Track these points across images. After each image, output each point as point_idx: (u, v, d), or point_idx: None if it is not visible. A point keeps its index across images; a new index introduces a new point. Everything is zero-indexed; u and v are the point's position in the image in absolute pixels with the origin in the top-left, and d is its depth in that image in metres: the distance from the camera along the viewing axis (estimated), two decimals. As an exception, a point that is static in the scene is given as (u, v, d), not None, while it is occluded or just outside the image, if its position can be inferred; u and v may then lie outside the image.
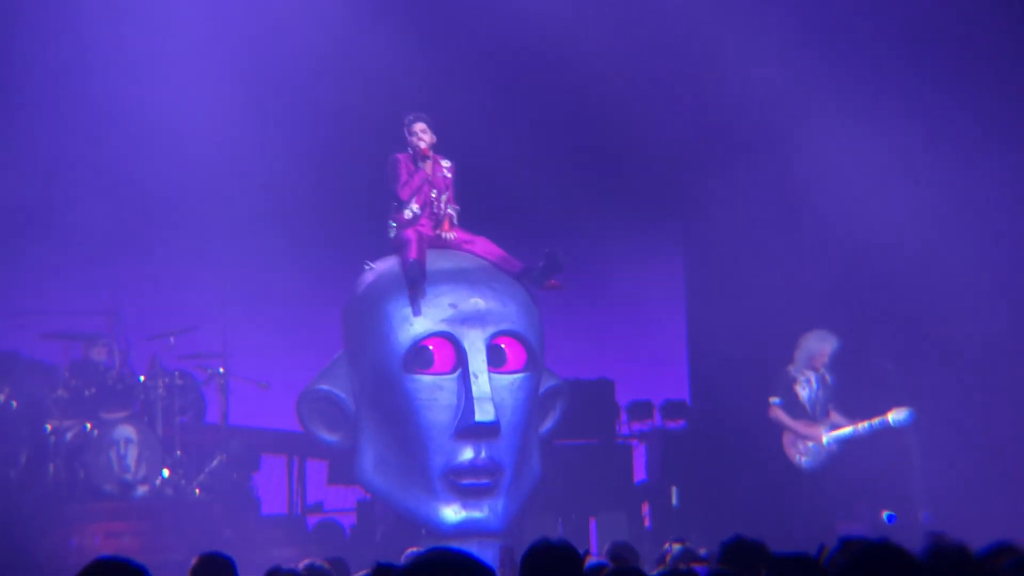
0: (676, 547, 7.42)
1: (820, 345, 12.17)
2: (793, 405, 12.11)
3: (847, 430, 12.03)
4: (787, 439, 12.11)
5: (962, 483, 12.79)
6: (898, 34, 13.14)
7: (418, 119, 11.10)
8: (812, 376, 12.17)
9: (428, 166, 11.07)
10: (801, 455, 12.09)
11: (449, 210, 11.11)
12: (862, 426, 12.05)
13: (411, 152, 11.10)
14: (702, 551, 7.47)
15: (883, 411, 12.03)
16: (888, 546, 3.22)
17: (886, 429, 12.09)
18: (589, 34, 13.54)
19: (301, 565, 6.69)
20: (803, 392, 12.14)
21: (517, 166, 13.51)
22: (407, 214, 11.04)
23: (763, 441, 12.35)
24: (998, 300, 12.93)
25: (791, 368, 12.22)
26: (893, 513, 12.81)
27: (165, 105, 13.63)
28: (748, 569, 4.91)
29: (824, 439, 12.04)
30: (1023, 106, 12.80)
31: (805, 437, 12.05)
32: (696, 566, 5.29)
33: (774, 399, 12.18)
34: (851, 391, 12.54)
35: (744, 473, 13.29)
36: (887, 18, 13.14)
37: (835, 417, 12.14)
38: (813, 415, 12.12)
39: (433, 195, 11.09)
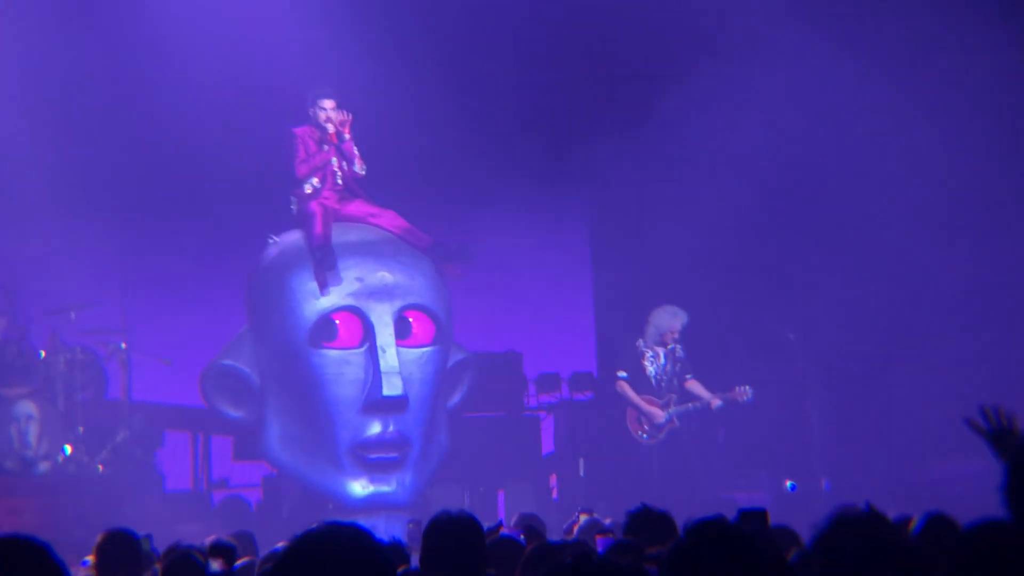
0: (583, 518, 7.48)
1: (670, 321, 12.21)
2: (639, 379, 12.20)
3: (687, 406, 12.10)
4: (631, 414, 12.22)
5: (863, 451, 13.01)
6: None
7: (327, 95, 10.93)
8: (660, 351, 12.21)
9: (331, 142, 10.94)
10: (642, 431, 12.17)
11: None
12: (699, 403, 12.10)
13: (313, 127, 10.96)
14: (608, 521, 7.53)
15: (730, 387, 12.16)
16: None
17: (732, 406, 12.21)
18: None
19: (207, 541, 6.64)
20: (650, 367, 12.21)
21: (422, 135, 13.46)
22: (307, 189, 10.95)
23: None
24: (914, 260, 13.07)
25: (640, 342, 12.29)
26: (795, 482, 13.01)
27: (62, 75, 13.39)
28: (653, 538, 4.97)
29: (663, 415, 12.10)
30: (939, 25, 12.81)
31: (645, 414, 12.13)
32: (600, 537, 5.33)
33: (621, 373, 12.29)
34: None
35: (649, 443, 13.39)
36: None
37: (693, 387, 12.16)
38: (658, 390, 12.19)
39: (334, 163, 10.97)
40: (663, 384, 12.19)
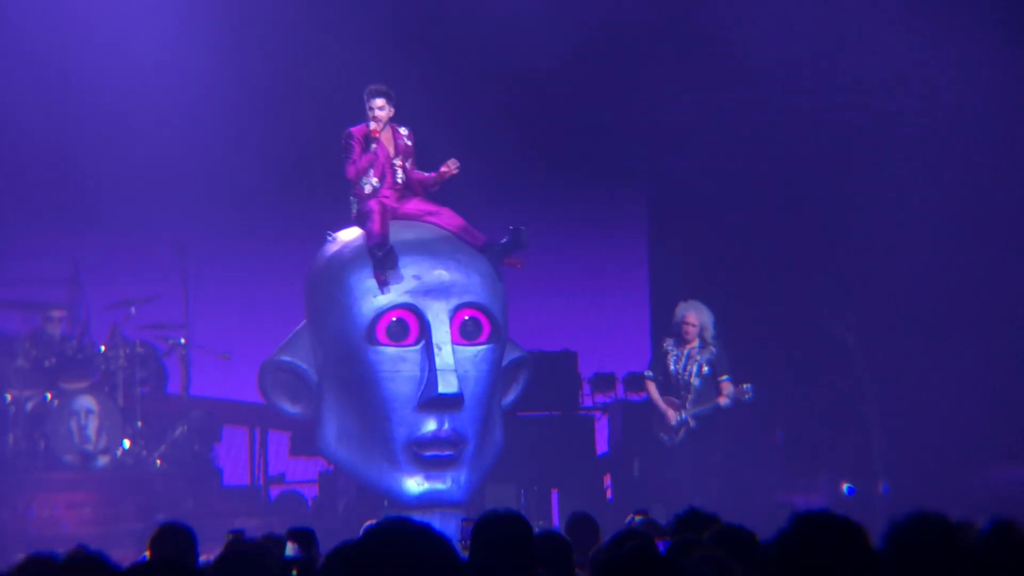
0: (638, 519, 7.44)
1: (688, 314, 12.01)
2: (666, 379, 12.07)
3: (702, 407, 11.91)
4: (655, 415, 12.11)
5: (922, 454, 12.88)
6: None
7: (377, 93, 10.94)
8: (681, 351, 12.00)
9: (386, 138, 10.96)
10: (662, 431, 12.05)
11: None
12: (711, 405, 11.89)
13: (366, 125, 10.98)
14: (664, 523, 7.49)
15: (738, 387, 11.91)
16: (830, 517, 3.21)
17: (739, 405, 11.97)
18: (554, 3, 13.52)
19: (261, 536, 6.69)
20: (671, 366, 12.06)
21: (482, 137, 13.47)
22: (367, 188, 10.97)
23: (724, 413, 12.38)
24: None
25: (666, 342, 12.17)
26: (853, 486, 12.90)
27: (125, 75, 13.52)
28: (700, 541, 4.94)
29: (677, 416, 11.96)
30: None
31: (663, 413, 12.00)
32: (659, 541, 5.31)
33: (648, 373, 12.18)
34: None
35: (724, 447, 13.33)
36: None
37: (725, 388, 11.91)
38: (676, 389, 12.04)
39: (396, 163, 10.99)
40: (681, 383, 12.03)
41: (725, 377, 12.00)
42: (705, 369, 11.98)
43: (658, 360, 12.17)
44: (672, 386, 12.03)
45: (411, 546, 2.86)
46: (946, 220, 12.97)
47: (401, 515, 3.16)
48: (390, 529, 2.90)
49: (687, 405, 11.94)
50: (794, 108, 13.43)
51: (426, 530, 2.89)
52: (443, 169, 10.95)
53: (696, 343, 12.02)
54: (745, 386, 11.88)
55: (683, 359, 12.01)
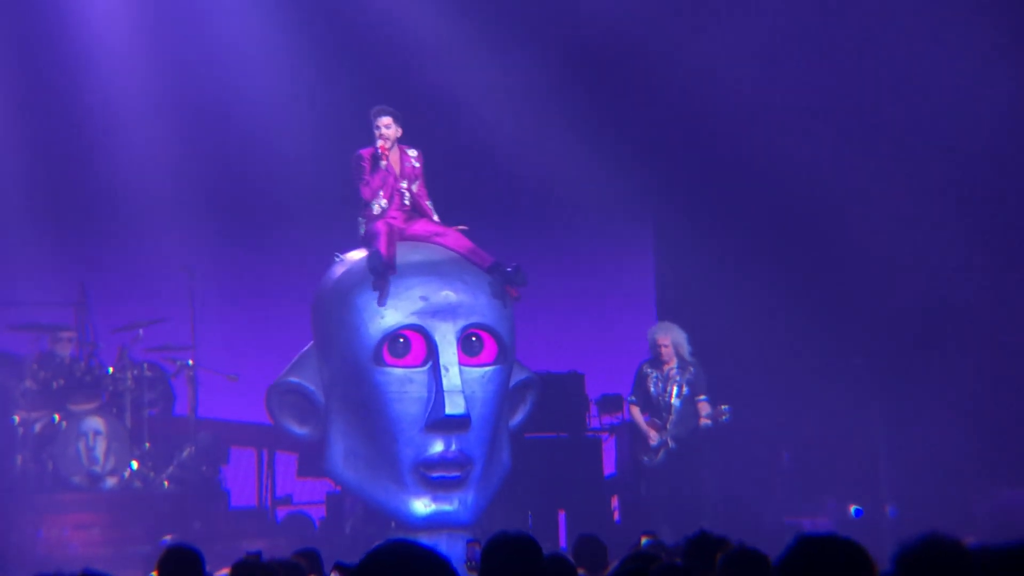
0: (645, 540, 7.45)
1: (655, 334, 12.04)
2: (646, 402, 12.08)
3: (685, 429, 11.90)
4: (637, 437, 12.10)
5: (929, 476, 12.87)
6: None
7: (384, 113, 11.01)
8: (661, 372, 11.99)
9: (393, 159, 11.01)
10: (643, 453, 12.03)
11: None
12: (692, 428, 11.88)
13: (375, 147, 11.02)
14: (672, 544, 7.50)
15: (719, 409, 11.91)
16: (834, 539, 3.23)
17: (720, 427, 11.96)
18: (576, 30, 13.59)
19: (266, 559, 6.69)
20: (651, 388, 12.06)
21: (490, 158, 13.52)
22: (375, 208, 11.02)
23: (731, 434, 12.39)
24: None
25: (645, 366, 12.17)
26: (860, 507, 12.88)
27: (133, 97, 13.58)
28: (711, 564, 4.95)
29: (657, 437, 11.94)
30: None
31: (642, 436, 12.00)
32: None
33: (631, 397, 12.19)
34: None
35: (713, 466, 13.33)
36: None
37: (702, 408, 11.90)
38: (658, 411, 12.04)
39: (403, 185, 11.05)
40: (662, 405, 12.02)
41: (702, 397, 12.00)
42: (685, 390, 11.98)
43: (639, 384, 12.18)
44: (654, 408, 12.03)
45: (412, 568, 2.86)
46: (948, 241, 12.99)
47: (405, 537, 3.15)
48: (391, 551, 2.90)
49: (668, 426, 11.94)
50: (791, 125, 13.46)
51: (428, 553, 2.90)
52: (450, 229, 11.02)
53: (674, 363, 12.03)
54: (723, 407, 11.90)
55: (663, 381, 12.03)
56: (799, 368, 13.51)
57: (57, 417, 12.29)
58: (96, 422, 12.25)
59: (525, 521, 12.13)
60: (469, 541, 9.00)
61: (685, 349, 12.03)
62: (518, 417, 11.42)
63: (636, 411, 12.13)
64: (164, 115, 13.66)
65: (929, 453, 12.92)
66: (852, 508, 12.88)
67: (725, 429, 12.05)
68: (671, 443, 11.92)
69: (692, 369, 12.01)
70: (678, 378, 11.99)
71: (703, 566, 4.90)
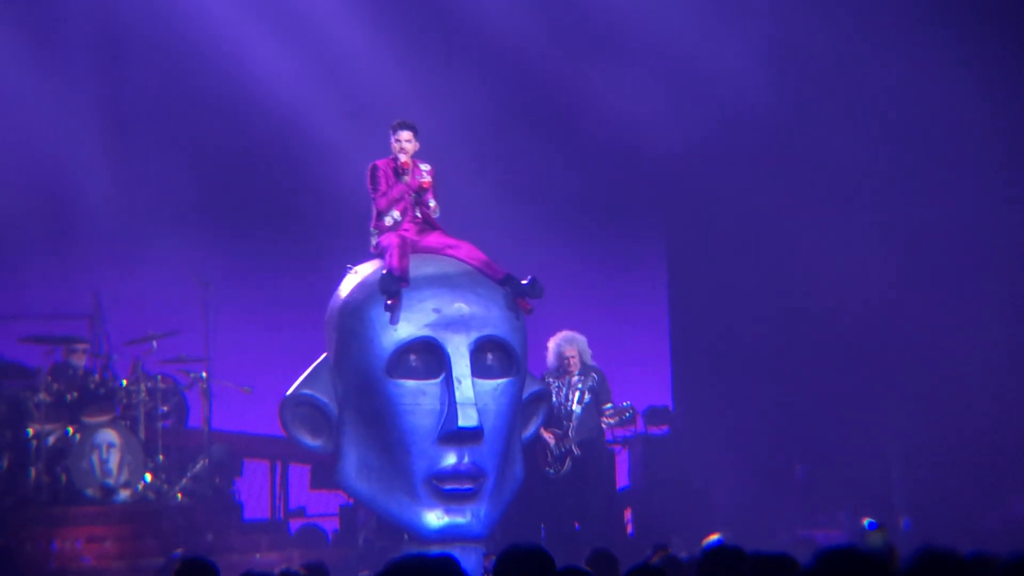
0: (660, 554, 7.44)
1: (565, 348, 11.97)
2: (548, 413, 11.98)
3: (587, 435, 11.83)
4: (538, 449, 12.01)
5: (943, 489, 12.83)
6: None
7: (403, 126, 11.06)
8: (563, 381, 11.93)
9: (408, 174, 11.04)
10: (546, 464, 11.93)
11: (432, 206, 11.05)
12: (596, 431, 11.82)
13: (392, 159, 11.06)
14: (684, 555, 7.48)
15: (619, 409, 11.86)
16: (854, 551, 3.23)
17: (622, 426, 11.84)
18: (574, 39, 13.59)
19: (277, 571, 6.69)
20: (553, 399, 11.94)
21: (501, 169, 13.53)
22: (388, 221, 11.03)
23: (744, 446, 12.37)
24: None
25: (548, 375, 12.07)
26: (874, 520, 12.84)
27: (145, 106, 13.62)
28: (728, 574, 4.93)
29: (561, 446, 11.84)
30: None
31: (546, 445, 11.89)
32: None
33: None
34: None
35: (726, 479, 13.31)
36: None
37: (608, 416, 11.86)
38: (559, 420, 11.93)
39: (413, 197, 11.07)
40: (563, 413, 11.94)
41: (608, 406, 11.97)
42: (587, 397, 11.93)
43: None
44: (555, 417, 11.94)
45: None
46: (962, 252, 12.97)
47: (421, 551, 3.15)
48: (410, 565, 2.89)
49: (570, 433, 11.88)
50: (801, 132, 13.47)
51: (447, 563, 2.89)
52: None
53: (576, 371, 11.95)
54: (625, 403, 11.86)
55: (565, 388, 11.98)
56: (812, 379, 13.48)
57: (71, 429, 12.31)
58: (110, 434, 12.27)
59: (538, 534, 12.11)
60: (485, 554, 8.99)
61: (588, 355, 11.99)
62: (531, 429, 11.41)
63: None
64: (178, 123, 13.69)
65: (943, 465, 12.90)
66: (866, 521, 12.84)
67: (737, 438, 12.05)
68: (576, 450, 11.85)
69: (595, 375, 11.96)
70: (580, 385, 11.93)
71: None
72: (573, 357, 11.95)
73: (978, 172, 13.11)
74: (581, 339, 12.03)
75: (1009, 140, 12.95)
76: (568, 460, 11.86)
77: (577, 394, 11.92)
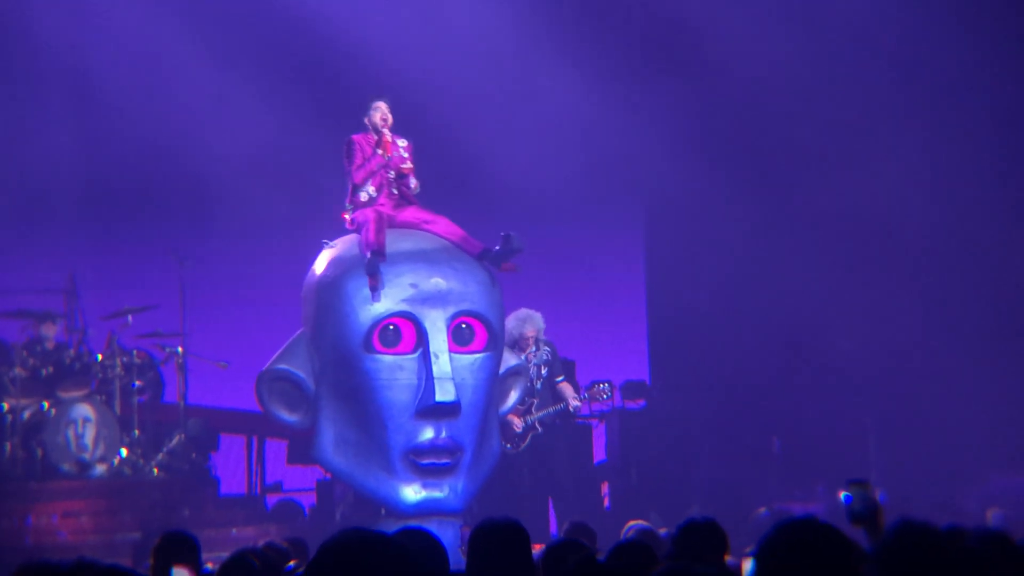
0: (634, 525, 7.45)
1: (522, 327, 11.89)
2: None
3: (548, 410, 11.82)
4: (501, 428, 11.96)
5: (918, 462, 12.89)
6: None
7: (380, 98, 11.02)
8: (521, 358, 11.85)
9: (386, 148, 11.00)
10: (506, 441, 11.86)
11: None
12: (560, 406, 11.80)
13: (370, 133, 11.02)
14: (662, 531, 7.50)
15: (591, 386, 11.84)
16: (813, 523, 3.23)
17: (596, 405, 11.81)
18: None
19: (260, 543, 6.68)
20: None
21: (476, 144, 13.50)
22: (363, 196, 10.99)
23: (721, 421, 12.40)
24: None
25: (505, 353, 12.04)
26: (850, 493, 12.89)
27: (126, 82, 13.54)
28: (704, 549, 4.94)
29: (521, 423, 11.83)
30: None
31: (508, 422, 11.82)
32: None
33: None
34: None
35: (703, 453, 13.35)
36: None
37: (564, 389, 11.83)
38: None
39: (391, 175, 11.03)
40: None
41: (560, 378, 11.94)
42: (543, 371, 11.90)
43: None
44: None
45: (365, 560, 2.83)
46: (945, 228, 13.00)
47: (357, 527, 3.09)
48: (343, 541, 2.86)
49: (532, 410, 11.87)
50: (782, 106, 13.47)
51: (383, 540, 2.84)
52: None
53: (532, 347, 11.93)
54: (602, 385, 11.85)
55: None
56: (790, 353, 13.52)
57: (46, 404, 12.26)
58: (85, 409, 12.23)
59: (514, 507, 12.12)
60: (462, 526, 9.00)
61: (541, 331, 11.94)
62: (508, 404, 11.41)
63: None
64: (151, 99, 13.62)
65: (921, 438, 12.95)
66: (842, 494, 12.90)
67: (713, 412, 12.08)
68: (538, 427, 11.84)
69: (547, 348, 11.93)
70: (535, 361, 11.91)
71: (693, 554, 4.89)
72: (532, 336, 11.91)
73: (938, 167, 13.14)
74: (537, 316, 11.96)
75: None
76: (530, 436, 11.84)
77: (535, 370, 11.89)
